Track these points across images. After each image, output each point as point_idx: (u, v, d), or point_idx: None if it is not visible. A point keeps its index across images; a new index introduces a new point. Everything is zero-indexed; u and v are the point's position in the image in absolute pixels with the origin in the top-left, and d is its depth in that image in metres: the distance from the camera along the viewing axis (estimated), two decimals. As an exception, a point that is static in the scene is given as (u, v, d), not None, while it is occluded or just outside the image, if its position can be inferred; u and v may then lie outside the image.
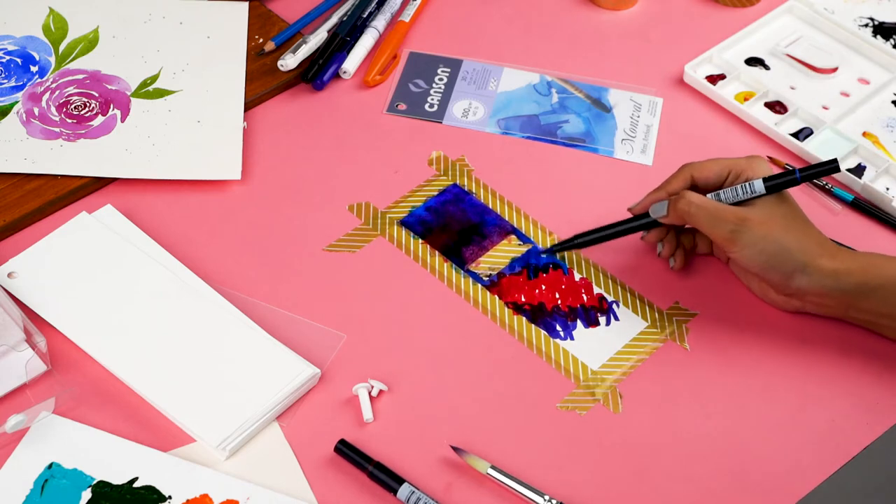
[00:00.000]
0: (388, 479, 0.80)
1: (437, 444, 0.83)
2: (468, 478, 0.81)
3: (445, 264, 0.95)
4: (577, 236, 0.94)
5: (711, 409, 0.86)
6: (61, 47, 1.10)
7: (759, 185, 0.88)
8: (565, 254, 0.96)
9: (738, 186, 0.88)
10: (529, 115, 1.07)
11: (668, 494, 0.82)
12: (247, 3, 1.15)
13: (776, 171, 0.90)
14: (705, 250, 0.94)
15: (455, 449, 0.81)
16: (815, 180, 1.01)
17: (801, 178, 0.88)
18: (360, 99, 1.08)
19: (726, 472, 0.83)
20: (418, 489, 0.79)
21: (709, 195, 0.90)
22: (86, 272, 0.92)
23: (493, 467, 0.80)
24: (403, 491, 0.79)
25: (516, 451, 0.83)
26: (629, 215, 0.94)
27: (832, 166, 0.88)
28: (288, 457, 0.82)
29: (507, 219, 0.98)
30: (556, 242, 0.95)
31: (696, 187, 0.91)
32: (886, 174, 1.02)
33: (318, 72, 1.08)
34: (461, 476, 0.82)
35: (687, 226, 0.91)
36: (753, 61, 1.12)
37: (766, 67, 1.12)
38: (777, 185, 0.88)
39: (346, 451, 0.81)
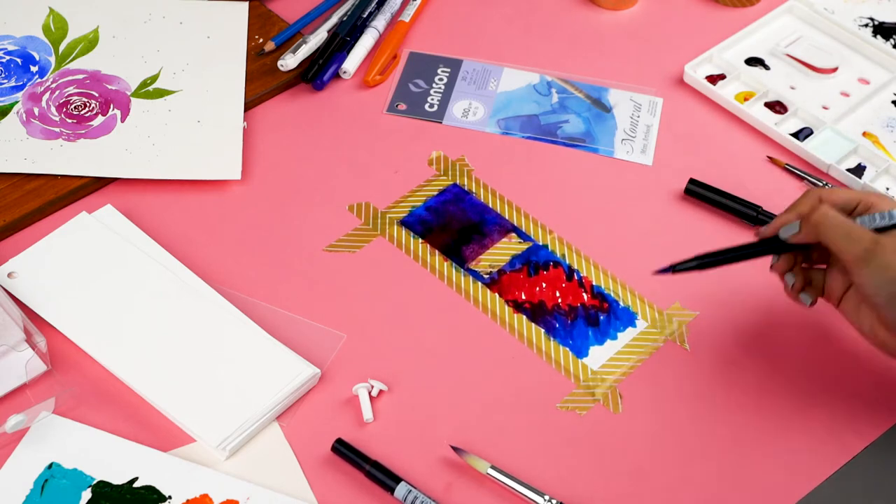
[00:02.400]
0: (385, 478, 0.80)
1: (437, 444, 0.83)
2: (468, 478, 0.81)
3: (445, 263, 0.95)
4: (699, 257, 0.87)
5: (711, 410, 0.86)
6: (61, 47, 1.10)
7: None
8: (565, 252, 0.96)
9: (877, 214, 0.83)
10: (529, 115, 1.07)
11: (667, 495, 0.82)
12: (247, 3, 1.15)
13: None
14: (818, 290, 0.87)
15: (455, 449, 0.81)
16: (813, 181, 1.01)
17: None
18: (360, 99, 1.08)
19: (726, 473, 0.83)
20: (415, 488, 0.79)
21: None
22: (86, 272, 0.92)
23: (492, 467, 0.80)
24: (400, 490, 0.79)
25: (516, 451, 0.83)
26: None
27: None
28: (288, 457, 0.82)
29: (507, 218, 0.98)
30: (677, 262, 0.87)
31: None
32: (886, 174, 1.02)
33: (318, 72, 1.08)
34: (461, 476, 0.82)
35: (816, 242, 0.84)
36: (753, 61, 1.12)
37: (766, 67, 1.12)
38: None
39: (344, 450, 0.81)
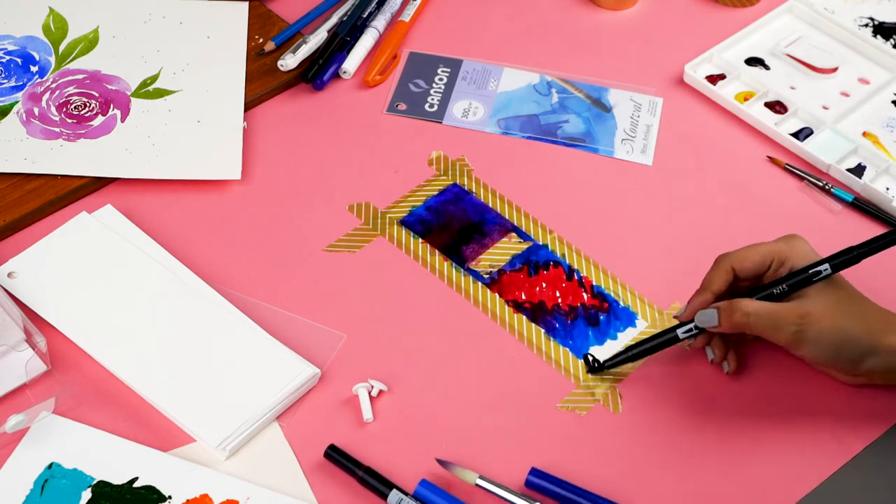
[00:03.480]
0: (377, 484, 0.79)
1: (436, 444, 0.83)
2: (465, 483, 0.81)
3: (445, 263, 0.95)
4: (619, 353, 0.87)
5: (711, 410, 0.86)
6: (61, 47, 1.10)
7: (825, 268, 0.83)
8: (565, 252, 0.96)
9: (774, 287, 0.84)
10: (529, 115, 1.07)
11: (668, 495, 0.82)
12: (247, 3, 1.15)
13: (814, 250, 0.85)
14: (751, 337, 0.88)
15: (441, 462, 0.81)
16: (813, 181, 1.01)
17: (858, 255, 0.83)
18: (360, 99, 1.08)
19: (726, 473, 0.83)
20: (408, 495, 0.79)
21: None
22: (86, 272, 0.92)
23: (481, 478, 0.80)
24: (393, 497, 0.79)
25: (516, 451, 0.83)
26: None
27: (892, 238, 0.83)
28: (288, 457, 0.82)
29: (507, 218, 0.98)
30: (604, 361, 0.87)
31: (736, 280, 0.86)
32: (886, 174, 1.02)
33: (318, 72, 1.08)
34: (458, 481, 0.81)
35: (740, 334, 0.86)
36: (753, 61, 1.12)
37: (766, 67, 1.12)
38: (839, 263, 0.83)
39: (336, 456, 0.81)
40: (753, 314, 0.83)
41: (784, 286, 0.84)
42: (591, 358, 0.88)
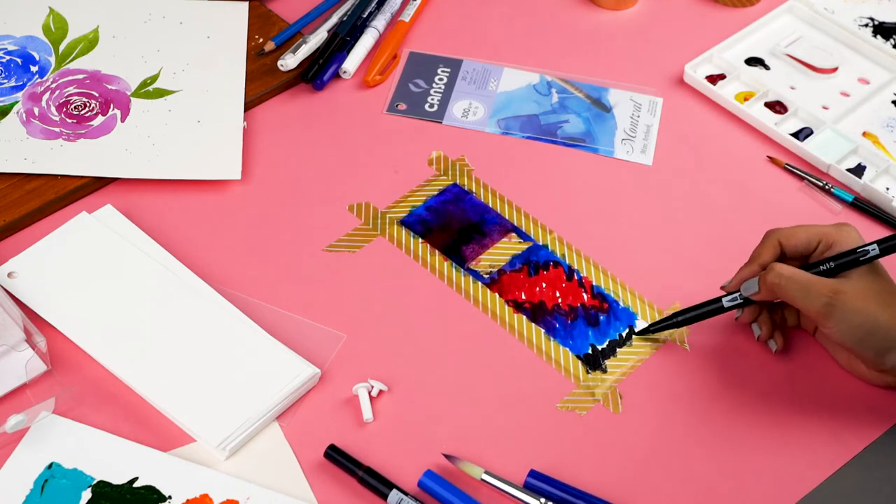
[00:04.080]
0: (378, 483, 0.79)
1: (436, 444, 0.83)
2: (469, 478, 0.81)
3: (445, 263, 0.95)
4: (670, 316, 0.89)
5: (711, 410, 0.86)
6: (61, 47, 1.10)
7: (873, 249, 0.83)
8: (565, 252, 0.96)
9: (821, 264, 0.84)
10: (529, 115, 1.07)
11: (668, 495, 0.82)
12: (247, 3, 1.15)
13: (858, 235, 0.85)
14: (793, 323, 0.90)
15: (447, 457, 0.81)
16: (813, 181, 1.01)
17: None
18: (360, 99, 1.08)
19: (726, 473, 0.83)
20: (408, 495, 0.79)
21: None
22: (86, 272, 0.92)
23: (487, 472, 0.80)
24: (393, 497, 0.79)
25: (516, 451, 0.83)
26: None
27: None
28: (288, 457, 0.82)
29: (507, 218, 0.98)
30: (650, 323, 0.90)
31: (783, 256, 0.87)
32: (886, 174, 1.02)
33: (318, 72, 1.08)
34: (462, 476, 0.81)
35: (777, 300, 0.86)
36: (753, 61, 1.12)
37: (766, 67, 1.12)
38: (889, 247, 0.83)
39: (336, 456, 0.81)
40: (788, 278, 0.83)
41: (830, 264, 0.84)
42: (633, 329, 0.90)
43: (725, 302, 0.88)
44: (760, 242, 0.88)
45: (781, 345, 0.88)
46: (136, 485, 0.80)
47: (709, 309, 0.89)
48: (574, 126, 1.06)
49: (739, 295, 0.87)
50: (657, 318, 0.91)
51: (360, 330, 0.90)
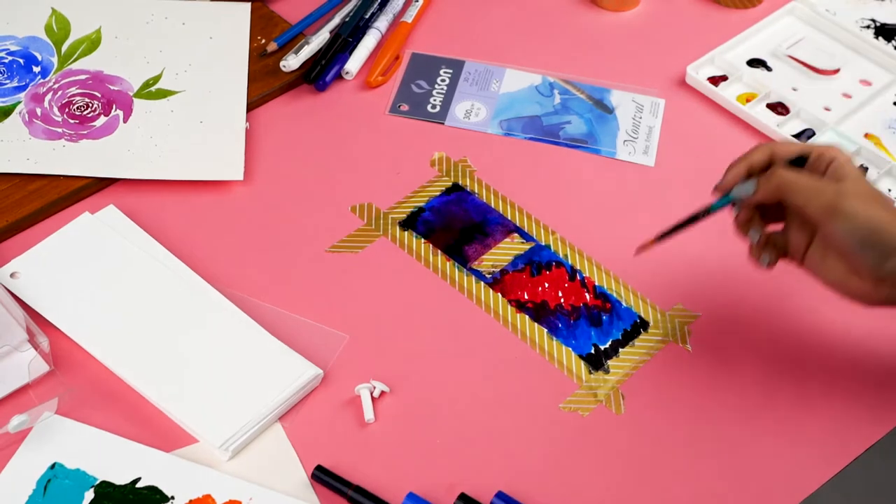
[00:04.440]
0: (368, 503, 0.79)
1: (438, 445, 0.83)
2: (470, 479, 0.81)
3: (448, 263, 0.95)
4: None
5: (713, 411, 0.86)
6: (64, 48, 1.10)
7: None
8: (568, 252, 0.96)
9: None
10: (532, 117, 1.07)
11: (669, 496, 0.82)
12: (249, 4, 1.15)
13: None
14: (782, 245, 0.87)
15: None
16: None
17: None
18: (362, 100, 1.08)
19: (728, 474, 0.83)
20: None
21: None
22: (88, 273, 0.92)
23: None
24: None
25: (518, 452, 0.83)
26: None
27: None
28: (290, 457, 0.82)
29: (509, 218, 0.98)
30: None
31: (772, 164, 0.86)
32: (888, 175, 1.02)
33: (321, 72, 1.08)
34: (463, 477, 0.81)
35: (775, 202, 0.84)
36: (755, 63, 1.12)
37: (768, 69, 1.12)
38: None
39: (324, 477, 0.80)
40: (793, 175, 0.82)
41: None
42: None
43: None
44: (752, 149, 0.86)
45: (774, 259, 0.86)
46: (138, 485, 0.80)
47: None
48: (576, 127, 1.06)
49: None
50: (659, 318, 0.92)
51: (363, 330, 0.90)
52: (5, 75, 1.07)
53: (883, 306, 0.83)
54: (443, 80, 1.10)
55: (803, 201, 0.82)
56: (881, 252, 0.80)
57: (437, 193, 1.00)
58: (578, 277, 0.94)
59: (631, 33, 1.16)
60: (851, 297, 0.84)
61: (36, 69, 1.08)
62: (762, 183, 0.83)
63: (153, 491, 0.80)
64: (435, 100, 1.08)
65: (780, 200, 0.83)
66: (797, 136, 1.05)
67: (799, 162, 0.84)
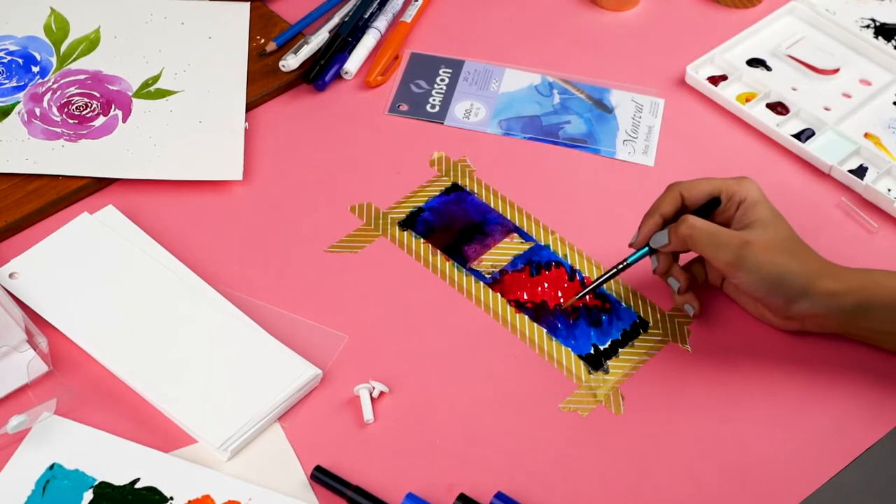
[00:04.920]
0: (368, 503, 0.79)
1: (437, 445, 0.83)
2: (469, 479, 0.81)
3: (447, 263, 0.95)
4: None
5: (713, 411, 0.86)
6: (63, 47, 1.10)
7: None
8: (567, 252, 0.96)
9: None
10: (531, 116, 1.07)
11: (669, 496, 0.81)
12: (248, 4, 1.15)
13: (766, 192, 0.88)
14: (701, 278, 0.91)
15: None
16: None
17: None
18: (361, 99, 1.08)
19: (728, 474, 0.83)
20: None
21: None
22: (87, 273, 0.92)
23: None
24: None
25: (517, 452, 0.83)
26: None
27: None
28: (290, 458, 0.82)
29: (509, 218, 0.98)
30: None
31: (685, 208, 0.89)
32: (888, 175, 1.02)
33: (320, 72, 1.08)
34: (462, 477, 0.81)
35: (687, 251, 0.88)
36: (755, 62, 1.12)
37: (768, 68, 1.12)
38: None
39: (323, 477, 0.80)
40: (699, 229, 0.86)
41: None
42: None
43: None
44: (662, 194, 0.90)
45: (698, 308, 0.90)
46: (137, 486, 0.80)
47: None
48: (576, 127, 1.06)
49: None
50: (658, 318, 0.91)
51: (362, 331, 0.90)
52: (4, 75, 1.07)
53: (797, 334, 0.89)
54: (442, 80, 1.10)
55: (710, 254, 0.86)
56: (786, 298, 0.85)
57: (437, 193, 1.00)
58: (578, 277, 0.94)
59: (630, 33, 1.16)
60: (769, 325, 0.89)
61: (35, 69, 1.08)
62: (671, 234, 0.87)
63: (152, 491, 0.80)
64: (434, 99, 1.08)
65: (690, 249, 0.87)
66: (797, 135, 1.05)
67: (714, 203, 0.88)
